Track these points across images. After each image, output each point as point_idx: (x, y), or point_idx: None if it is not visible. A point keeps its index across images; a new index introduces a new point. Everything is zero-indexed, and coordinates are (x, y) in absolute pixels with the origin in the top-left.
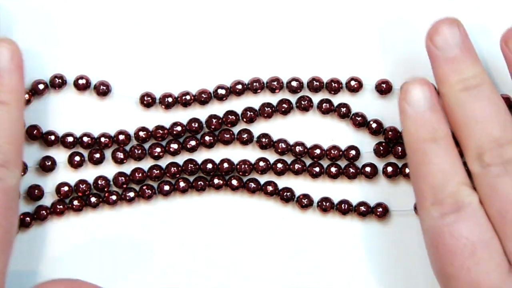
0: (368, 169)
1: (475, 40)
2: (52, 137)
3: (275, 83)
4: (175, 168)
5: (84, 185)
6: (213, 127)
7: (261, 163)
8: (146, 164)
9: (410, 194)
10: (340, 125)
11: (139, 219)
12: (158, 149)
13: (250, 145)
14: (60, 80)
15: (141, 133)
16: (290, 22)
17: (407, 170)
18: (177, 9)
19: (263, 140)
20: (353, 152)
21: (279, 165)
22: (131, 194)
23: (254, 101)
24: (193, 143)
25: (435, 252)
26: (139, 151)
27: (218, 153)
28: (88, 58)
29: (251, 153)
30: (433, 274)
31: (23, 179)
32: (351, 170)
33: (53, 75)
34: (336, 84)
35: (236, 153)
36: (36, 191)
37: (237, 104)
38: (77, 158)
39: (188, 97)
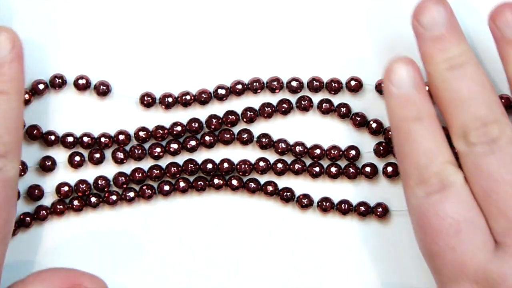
0: (368, 169)
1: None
2: (52, 137)
3: (275, 83)
4: (175, 168)
5: (84, 185)
6: (213, 127)
7: (261, 163)
8: (146, 164)
9: None
10: (340, 125)
11: (139, 219)
12: (158, 149)
13: (250, 145)
14: (60, 80)
15: (141, 133)
16: (290, 22)
17: None
18: (177, 9)
19: (263, 140)
20: (353, 152)
21: (279, 165)
22: (131, 194)
23: (254, 101)
24: (193, 143)
25: (421, 231)
26: (139, 151)
27: (218, 153)
28: (88, 58)
29: (251, 153)
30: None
31: (23, 179)
32: (351, 170)
33: (53, 75)
34: (336, 84)
35: (236, 153)
36: (36, 191)
37: (237, 104)
38: (77, 158)
39: (188, 97)
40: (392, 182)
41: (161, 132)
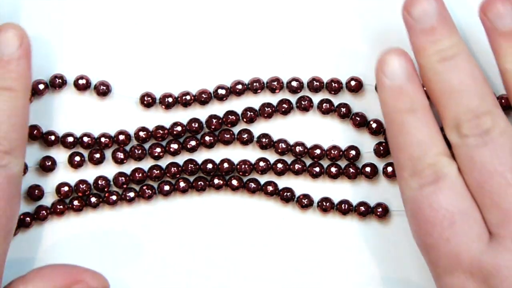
0: (368, 169)
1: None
2: (52, 137)
3: (275, 83)
4: (175, 168)
5: (84, 185)
6: (213, 127)
7: (261, 163)
8: (146, 164)
9: None
10: (340, 125)
11: (139, 219)
12: (158, 149)
13: (250, 145)
14: (60, 80)
15: (141, 133)
16: (290, 22)
17: None
18: (177, 9)
19: (263, 140)
20: (353, 152)
21: (279, 165)
22: (131, 194)
23: (254, 101)
24: (193, 143)
25: (415, 223)
26: (139, 151)
27: (218, 153)
28: (88, 58)
29: (251, 153)
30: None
31: (23, 179)
32: (351, 170)
33: (53, 75)
34: (336, 84)
35: (236, 153)
36: (36, 191)
37: (237, 104)
38: (77, 158)
39: (188, 97)
40: (392, 182)
41: (161, 132)
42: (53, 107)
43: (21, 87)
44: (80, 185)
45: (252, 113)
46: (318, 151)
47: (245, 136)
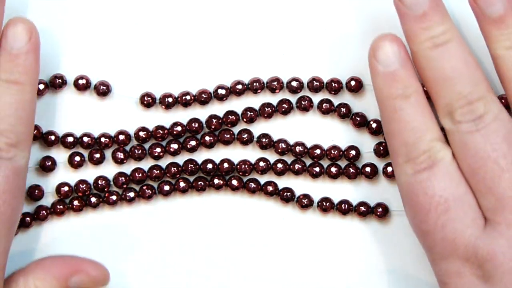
0: (368, 169)
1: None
2: (52, 137)
3: (275, 83)
4: (175, 168)
5: (84, 185)
6: (213, 127)
7: (261, 163)
8: (146, 164)
9: None
10: (340, 125)
11: (139, 219)
12: (158, 149)
13: (250, 145)
14: (60, 80)
15: (141, 133)
16: (290, 22)
17: None
18: (177, 9)
19: (263, 140)
20: (353, 152)
21: (279, 165)
22: (131, 194)
23: (254, 101)
24: (193, 143)
25: (410, 209)
26: (139, 151)
27: (218, 153)
28: (88, 58)
29: (251, 153)
30: (433, 274)
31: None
32: (351, 170)
33: (53, 75)
34: (336, 84)
35: (236, 153)
36: (36, 191)
37: (237, 104)
38: (77, 158)
39: (188, 97)
40: (392, 182)
41: (161, 132)
42: (53, 107)
43: (29, 81)
44: (80, 185)
45: (252, 113)
46: (318, 151)
47: (245, 136)
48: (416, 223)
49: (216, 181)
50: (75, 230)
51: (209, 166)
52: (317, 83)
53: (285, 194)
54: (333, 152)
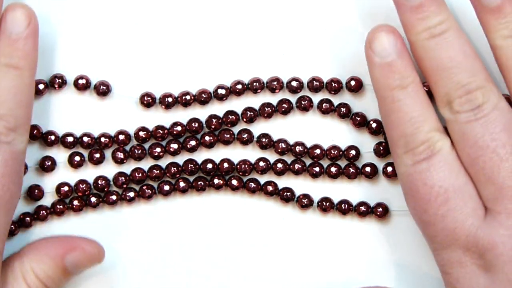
0: (368, 169)
1: None
2: (52, 137)
3: (275, 83)
4: (175, 168)
5: (84, 185)
6: (213, 127)
7: (261, 163)
8: (146, 164)
9: None
10: (340, 125)
11: (139, 219)
12: (158, 149)
13: (250, 145)
14: (60, 80)
15: (141, 133)
16: (290, 22)
17: None
18: (177, 9)
19: (263, 140)
20: (353, 152)
21: (279, 165)
22: (131, 194)
23: (254, 101)
24: (193, 143)
25: (411, 200)
26: (139, 151)
27: (218, 153)
28: (88, 58)
29: (251, 153)
30: (433, 273)
31: (23, 179)
32: (351, 170)
33: (53, 75)
34: (336, 84)
35: (236, 153)
36: (36, 191)
37: (237, 104)
38: (77, 158)
39: (188, 97)
40: (392, 182)
41: (161, 132)
42: (53, 107)
43: (28, 66)
44: (80, 185)
45: (252, 113)
46: (318, 151)
47: (245, 136)
48: (417, 214)
49: (216, 181)
50: (75, 230)
51: (209, 166)
52: (317, 83)
53: (285, 194)
54: (333, 152)
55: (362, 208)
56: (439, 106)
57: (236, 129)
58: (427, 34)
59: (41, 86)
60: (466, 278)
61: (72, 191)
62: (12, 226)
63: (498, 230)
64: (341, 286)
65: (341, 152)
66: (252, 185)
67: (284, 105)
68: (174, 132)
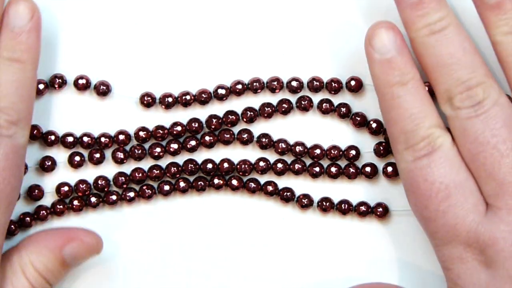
0: (368, 169)
1: None
2: (52, 137)
3: (275, 83)
4: (175, 168)
5: (84, 185)
6: (213, 127)
7: (261, 163)
8: (146, 164)
9: None
10: (340, 125)
11: (139, 219)
12: (158, 149)
13: (250, 145)
14: (60, 80)
15: (141, 133)
16: (290, 22)
17: None
18: (177, 10)
19: (263, 140)
20: (353, 152)
21: (279, 165)
22: (131, 194)
23: (254, 101)
24: (193, 143)
25: (412, 196)
26: (139, 151)
27: (218, 153)
28: (88, 58)
29: (251, 153)
30: (433, 273)
31: (23, 179)
32: (351, 170)
33: (53, 75)
34: (336, 84)
35: (236, 153)
36: (36, 191)
37: (237, 104)
38: (77, 158)
39: (188, 97)
40: (392, 182)
41: (161, 132)
42: (53, 107)
43: (30, 60)
44: (80, 185)
45: (252, 113)
46: (318, 151)
47: (245, 136)
48: (418, 210)
49: (216, 181)
50: None
51: (209, 166)
52: (317, 83)
53: (285, 194)
54: (333, 152)
55: (362, 208)
56: (440, 102)
57: (236, 129)
58: (427, 30)
59: (41, 86)
60: (467, 274)
61: (72, 191)
62: (12, 226)
63: (499, 226)
64: (341, 286)
65: (341, 152)
66: (252, 185)
67: (284, 105)
68: (174, 132)
